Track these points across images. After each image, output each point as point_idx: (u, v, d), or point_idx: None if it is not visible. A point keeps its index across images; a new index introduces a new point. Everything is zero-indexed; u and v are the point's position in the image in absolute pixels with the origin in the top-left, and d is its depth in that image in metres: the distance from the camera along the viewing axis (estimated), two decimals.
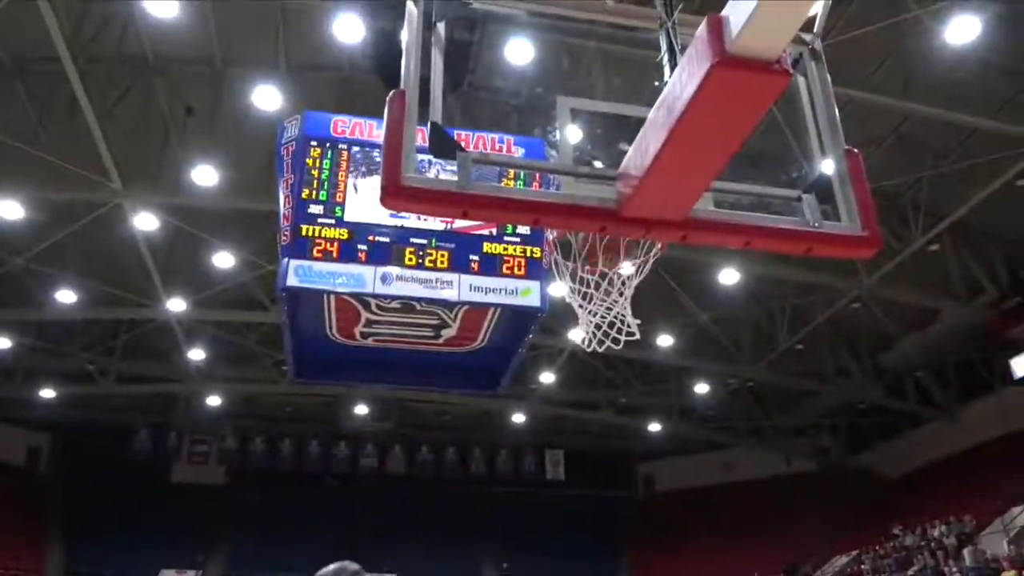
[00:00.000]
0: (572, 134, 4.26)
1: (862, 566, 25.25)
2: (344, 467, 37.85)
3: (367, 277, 12.63)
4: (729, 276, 21.94)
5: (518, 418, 33.94)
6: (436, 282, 12.99)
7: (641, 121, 3.74)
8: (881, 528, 25.65)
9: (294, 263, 10.73)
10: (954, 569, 20.10)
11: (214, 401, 31.50)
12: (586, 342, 5.36)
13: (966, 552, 20.52)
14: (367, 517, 34.66)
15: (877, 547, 25.21)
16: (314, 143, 9.74)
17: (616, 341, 5.19)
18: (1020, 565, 17.87)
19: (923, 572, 21.36)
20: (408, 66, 3.83)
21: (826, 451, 34.02)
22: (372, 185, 9.98)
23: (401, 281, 12.13)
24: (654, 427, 33.00)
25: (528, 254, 13.46)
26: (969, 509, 22.69)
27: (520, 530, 34.59)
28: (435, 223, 10.15)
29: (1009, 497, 21.48)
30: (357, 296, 11.11)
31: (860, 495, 30.81)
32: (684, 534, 33.34)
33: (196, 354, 26.16)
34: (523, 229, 10.88)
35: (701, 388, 30.03)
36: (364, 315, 12.22)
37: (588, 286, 4.95)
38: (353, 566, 3.48)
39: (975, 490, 23.30)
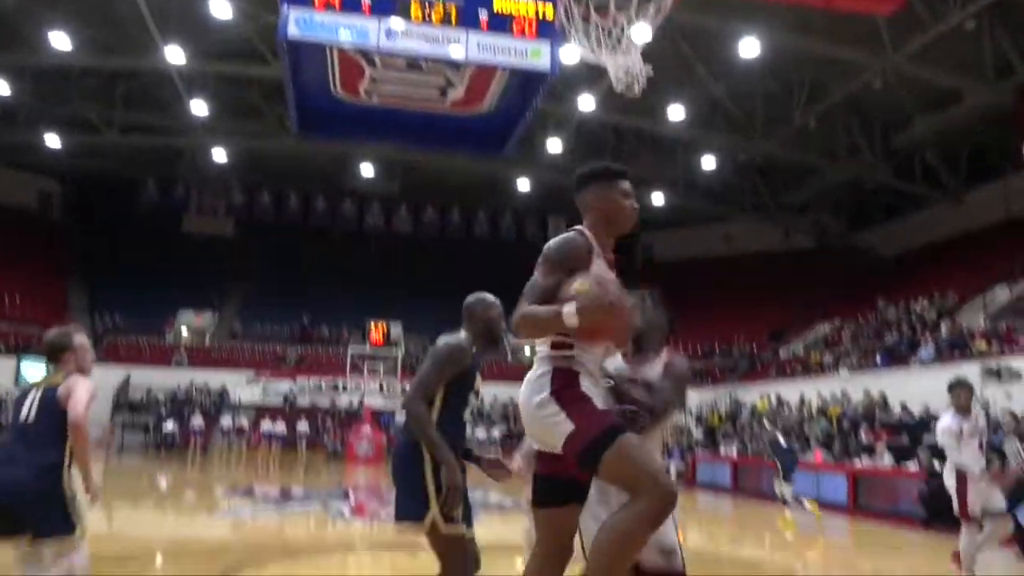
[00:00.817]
0: None
1: (842, 333, 26.68)
2: (351, 226, 38.76)
3: (371, 30, 12.11)
4: (749, 47, 20.97)
5: (523, 184, 34.12)
6: (443, 39, 12.50)
7: None
8: (867, 302, 26.77)
9: (295, 12, 10.26)
10: (928, 340, 21.24)
11: (219, 155, 31.53)
12: (615, 82, 5.46)
13: (943, 324, 21.59)
14: (372, 273, 36.10)
15: (860, 318, 26.50)
16: None
17: (632, 86, 5.23)
18: (992, 337, 18.86)
19: (899, 342, 22.60)
20: None
21: (825, 229, 34.59)
22: None
23: (406, 37, 11.68)
24: (657, 199, 33.28)
25: (540, 14, 12.82)
26: (954, 287, 23.53)
27: (521, 291, 36.08)
28: None
29: (995, 277, 22.16)
30: (360, 51, 10.82)
31: (853, 272, 31.81)
32: (680, 304, 34.85)
33: (199, 107, 25.75)
34: None
35: (708, 161, 29.87)
36: (368, 72, 11.94)
37: (599, 36, 4.85)
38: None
39: (963, 270, 24.00)
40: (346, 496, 14.07)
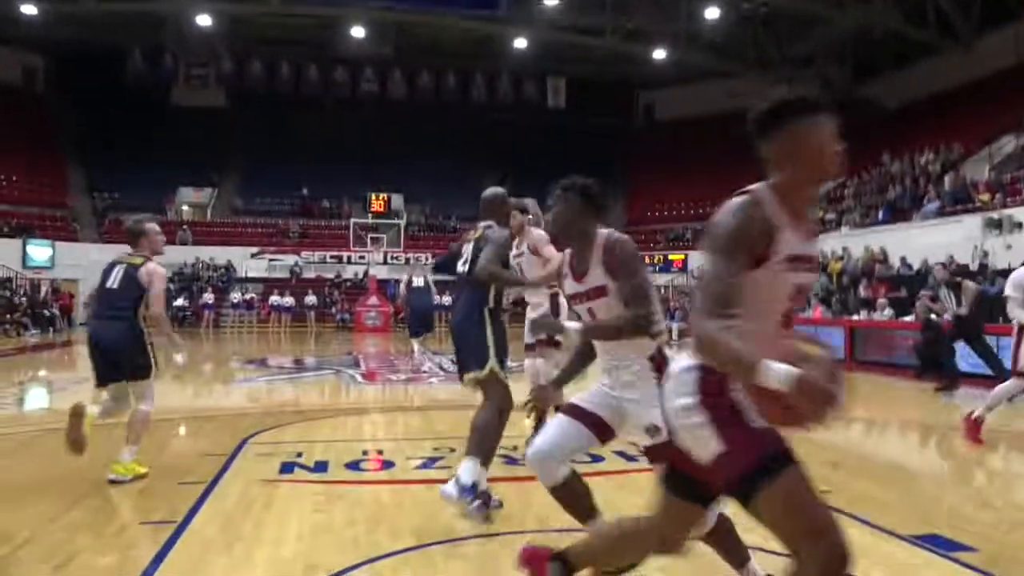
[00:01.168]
0: None
1: (845, 190, 26.52)
2: (344, 92, 37.75)
3: None
4: None
5: (520, 44, 32.95)
6: None
7: None
8: (872, 156, 26.43)
9: None
10: (932, 194, 21.14)
11: (204, 21, 30.36)
12: None
13: (947, 177, 21.41)
14: (369, 142, 35.52)
15: (864, 173, 26.25)
16: None
17: None
18: (996, 190, 18.75)
19: (902, 196, 22.49)
20: None
21: (830, 81, 33.62)
22: None
23: None
24: (659, 54, 32.19)
25: None
26: (960, 138, 23.14)
27: (520, 156, 35.62)
28: None
29: (1002, 126, 21.75)
30: None
31: (858, 126, 31.14)
32: (681, 162, 34.45)
33: None
34: None
35: (711, 12, 28.68)
36: None
37: None
38: None
39: (970, 121, 23.52)
40: (356, 363, 14.49)
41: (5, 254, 26.31)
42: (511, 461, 5.50)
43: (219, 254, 30.55)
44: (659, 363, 2.93)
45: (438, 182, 34.43)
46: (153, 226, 5.17)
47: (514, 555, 2.71)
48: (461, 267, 4.61)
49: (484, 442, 4.14)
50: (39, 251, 27.70)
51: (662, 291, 27.70)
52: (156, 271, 4.96)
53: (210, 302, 27.31)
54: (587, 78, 36.98)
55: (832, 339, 15.55)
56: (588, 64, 35.99)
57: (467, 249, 4.61)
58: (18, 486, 4.80)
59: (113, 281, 4.95)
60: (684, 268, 30.50)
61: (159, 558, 3.38)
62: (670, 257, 31.52)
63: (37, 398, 10.19)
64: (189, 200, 34.40)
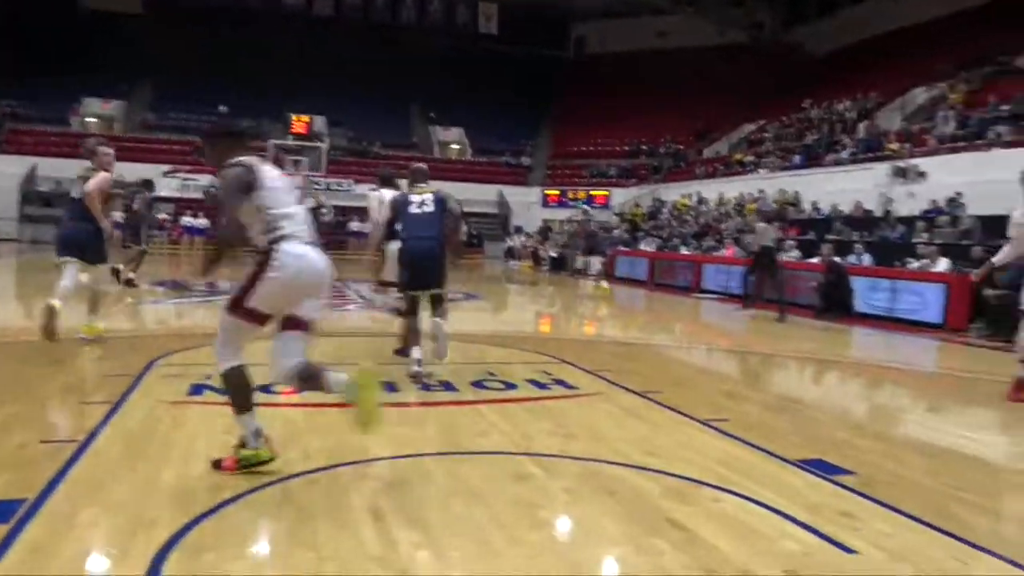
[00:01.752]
0: None
1: (764, 134, 27.11)
2: (269, 6, 35.97)
3: None
4: None
5: None
6: None
7: None
8: (794, 102, 27.00)
9: None
10: (846, 140, 21.83)
11: None
12: None
13: (861, 125, 22.11)
14: (292, 61, 34.13)
15: (784, 118, 26.84)
16: None
17: None
18: (905, 139, 19.50)
19: (818, 141, 23.16)
20: None
21: (760, 24, 33.95)
22: None
23: None
24: None
25: None
26: (877, 87, 23.83)
27: (448, 83, 34.92)
28: None
29: (915, 78, 22.47)
30: None
31: (783, 71, 31.71)
32: (610, 96, 34.40)
33: None
34: None
35: None
36: None
37: None
38: None
39: (888, 70, 24.20)
40: None
41: None
42: (425, 387, 5.58)
43: (127, 171, 29.12)
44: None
45: (364, 107, 33.51)
46: (104, 148, 6.90)
47: (419, 475, 2.78)
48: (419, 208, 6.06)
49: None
50: None
51: (579, 225, 28.00)
52: (99, 174, 6.72)
53: (120, 220, 26.09)
54: (520, 6, 36.26)
55: (737, 277, 16.13)
56: None
57: (428, 198, 6.07)
58: None
59: (76, 191, 6.74)
60: (607, 205, 30.79)
61: (59, 476, 3.33)
62: (593, 193, 31.75)
63: None
64: (95, 111, 32.47)
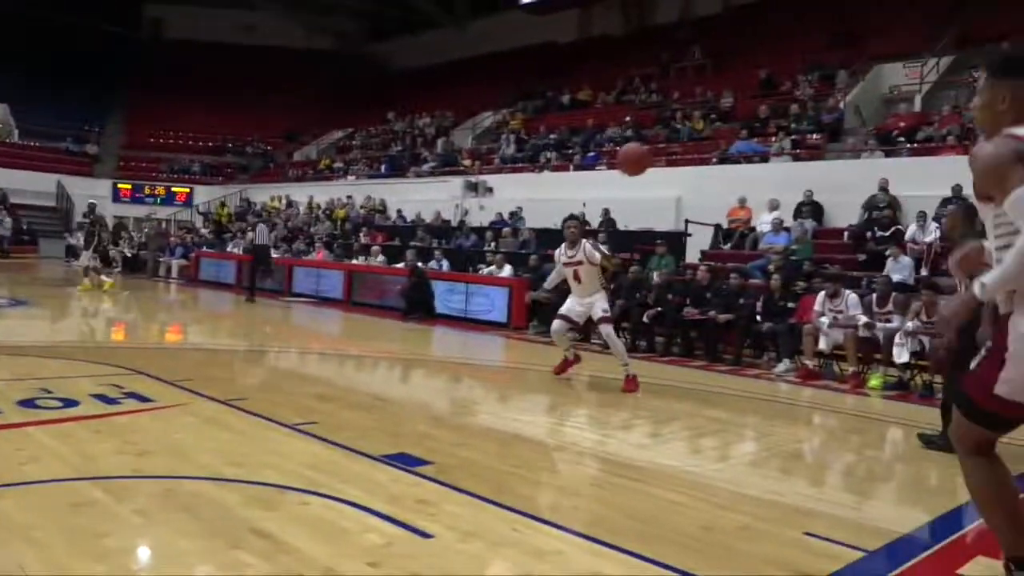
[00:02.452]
0: None
1: (353, 142, 27.92)
2: None
3: None
4: None
5: None
6: None
7: None
8: (378, 113, 28.21)
9: None
10: (427, 154, 23.50)
11: None
12: None
13: (440, 141, 24.00)
14: None
15: (371, 128, 27.92)
16: None
17: None
18: (476, 156, 21.64)
19: (403, 152, 24.55)
20: None
21: (346, 34, 34.87)
22: None
23: None
24: None
25: None
26: (451, 108, 26.09)
27: (5, 58, 29.36)
28: None
29: (483, 103, 25.13)
30: None
31: (368, 82, 32.94)
32: (193, 87, 32.14)
33: None
34: None
35: None
36: None
37: None
38: None
39: (461, 93, 26.63)
40: None
41: None
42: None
43: None
44: None
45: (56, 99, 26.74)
46: None
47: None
48: None
49: None
50: None
51: (162, 225, 25.83)
52: None
53: None
54: None
55: (333, 282, 16.39)
56: None
57: None
58: None
59: None
60: (188, 202, 28.78)
61: None
62: (173, 189, 29.44)
63: None
64: None
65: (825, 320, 8.85)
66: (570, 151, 19.32)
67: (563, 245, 7.50)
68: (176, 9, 34.91)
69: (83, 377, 6.02)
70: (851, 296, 9.00)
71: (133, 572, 2.71)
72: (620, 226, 15.00)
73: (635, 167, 6.48)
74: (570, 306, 7.50)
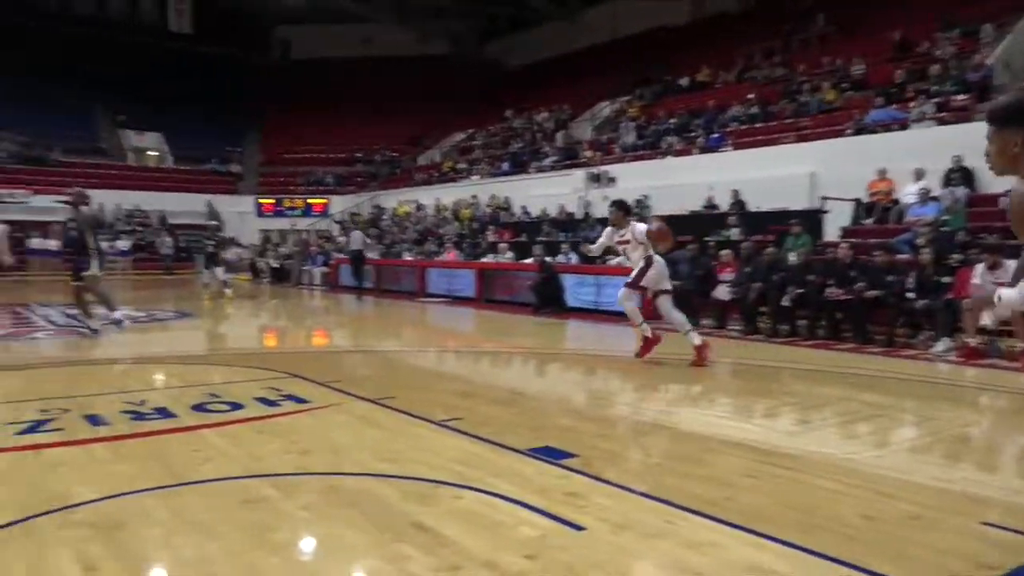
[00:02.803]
0: None
1: (474, 142, 28.39)
2: None
3: None
4: None
5: None
6: None
7: None
8: (496, 112, 28.57)
9: None
10: (547, 148, 23.57)
11: None
12: None
13: (559, 135, 24.01)
14: None
15: (490, 127, 28.31)
16: None
17: None
18: (596, 147, 21.51)
19: (524, 148, 24.74)
20: None
21: (459, 37, 35.53)
22: None
23: None
24: None
25: None
26: (568, 100, 26.05)
27: (136, 85, 31.95)
28: None
29: (600, 93, 24.93)
30: None
31: (483, 82, 33.43)
32: (321, 102, 33.77)
33: None
34: None
35: None
36: None
37: None
38: None
39: (577, 85, 26.55)
40: None
41: None
42: (138, 416, 5.05)
43: None
44: None
45: (36, 108, 29.53)
46: None
47: (136, 515, 2.49)
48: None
49: None
50: None
51: (303, 235, 27.21)
52: None
53: None
54: (214, 3, 34.28)
55: (465, 281, 16.74)
56: None
57: None
58: None
59: None
60: (325, 212, 30.21)
61: None
62: (309, 201, 31.00)
63: None
64: None
65: (1005, 291, 8.23)
66: (692, 134, 18.86)
67: (609, 228, 8.26)
68: (301, 29, 36.69)
69: (245, 382, 6.44)
70: (1014, 266, 8.31)
71: (305, 563, 2.88)
72: (752, 207, 14.51)
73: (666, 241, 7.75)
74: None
